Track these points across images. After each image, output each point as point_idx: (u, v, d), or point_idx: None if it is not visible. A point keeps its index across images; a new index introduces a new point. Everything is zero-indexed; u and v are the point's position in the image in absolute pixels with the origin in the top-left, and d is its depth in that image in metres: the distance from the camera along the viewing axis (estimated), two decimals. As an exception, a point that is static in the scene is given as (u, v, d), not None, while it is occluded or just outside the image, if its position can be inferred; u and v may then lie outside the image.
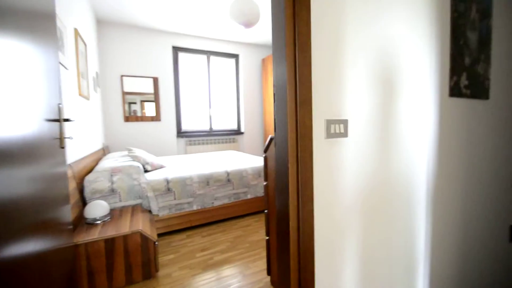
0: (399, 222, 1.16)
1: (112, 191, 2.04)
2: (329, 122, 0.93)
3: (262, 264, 1.84)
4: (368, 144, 1.03)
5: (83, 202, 1.96)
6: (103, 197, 2.00)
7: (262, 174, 2.81)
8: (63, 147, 1.31)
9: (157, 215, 2.23)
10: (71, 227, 1.44)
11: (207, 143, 4.42)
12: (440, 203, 1.29)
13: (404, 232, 1.18)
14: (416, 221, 1.21)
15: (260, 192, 2.79)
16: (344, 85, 0.96)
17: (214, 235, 2.30)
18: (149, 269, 1.65)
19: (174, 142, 4.18)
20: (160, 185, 2.26)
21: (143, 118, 3.91)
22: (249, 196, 2.73)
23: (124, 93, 3.75)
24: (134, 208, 2.06)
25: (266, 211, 1.56)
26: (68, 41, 2.01)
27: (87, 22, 2.88)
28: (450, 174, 1.31)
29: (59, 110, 1.26)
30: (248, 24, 2.47)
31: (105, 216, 1.77)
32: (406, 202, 1.17)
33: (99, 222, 1.72)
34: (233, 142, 4.68)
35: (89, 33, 2.93)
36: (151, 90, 3.95)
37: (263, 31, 4.12)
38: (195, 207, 2.41)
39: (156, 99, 3.98)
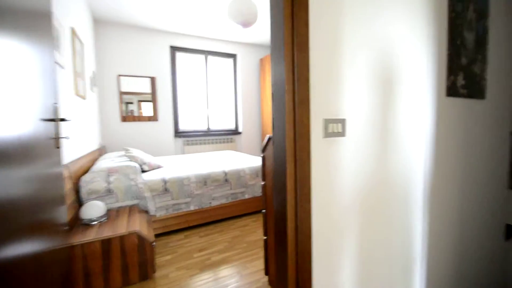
0: (397, 221, 1.16)
1: (109, 191, 2.03)
2: (327, 122, 0.93)
3: (260, 264, 1.84)
4: (366, 144, 1.03)
5: (80, 203, 1.94)
6: (100, 197, 1.99)
7: (260, 174, 2.81)
8: (59, 147, 1.30)
9: (155, 216, 2.22)
10: (67, 227, 1.43)
11: (204, 143, 4.41)
12: (437, 202, 1.29)
13: (401, 232, 1.18)
14: (413, 220, 1.22)
15: (258, 192, 2.79)
16: (342, 85, 0.96)
17: (212, 235, 2.29)
18: (146, 270, 1.64)
19: (172, 142, 4.17)
20: (157, 185, 2.25)
21: (140, 118, 3.89)
22: (246, 196, 2.72)
23: (121, 93, 3.73)
24: (131, 209, 2.05)
25: (264, 211, 1.55)
26: (65, 40, 1.99)
27: (84, 22, 2.86)
28: (447, 174, 1.32)
29: (55, 110, 1.25)
30: (246, 23, 2.46)
31: (102, 216, 1.76)
32: (403, 202, 1.17)
33: (95, 222, 1.71)
34: (231, 142, 4.68)
35: (86, 32, 2.91)
36: (149, 90, 3.93)
37: (261, 31, 4.12)
38: (192, 207, 2.41)
39: (153, 99, 3.96)
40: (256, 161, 2.98)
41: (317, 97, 0.91)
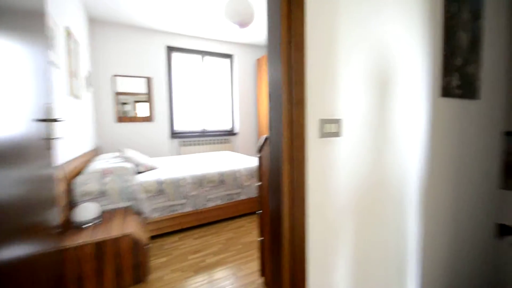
0: (392, 222, 1.16)
1: (103, 193, 2.00)
2: (323, 122, 0.93)
3: (255, 265, 1.83)
4: (362, 144, 1.03)
5: (73, 204, 1.91)
6: (94, 199, 1.96)
7: (256, 174, 2.80)
8: (52, 148, 1.28)
9: (149, 217, 2.20)
10: (59, 230, 1.41)
11: (200, 144, 4.39)
12: (432, 203, 1.30)
13: (396, 232, 1.18)
14: (408, 221, 1.22)
15: (254, 193, 2.78)
16: (338, 85, 0.96)
17: (207, 237, 2.28)
18: (140, 273, 1.62)
19: (168, 143, 4.14)
20: (152, 186, 2.23)
21: (136, 119, 3.86)
22: (242, 197, 2.72)
23: (117, 93, 3.69)
24: (125, 210, 2.02)
25: (259, 211, 1.55)
26: (60, 40, 1.97)
27: (80, 21, 2.83)
28: (442, 174, 1.33)
29: (49, 110, 1.23)
30: (243, 23, 2.46)
31: (95, 218, 1.73)
32: (398, 202, 1.18)
33: (89, 225, 1.69)
34: (227, 142, 4.67)
35: (81, 32, 2.88)
36: (145, 90, 3.90)
37: (258, 31, 4.12)
38: (187, 209, 2.39)
39: (149, 99, 3.94)
40: (252, 162, 2.98)
41: (313, 97, 0.91)
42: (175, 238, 2.27)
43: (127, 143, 3.83)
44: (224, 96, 4.74)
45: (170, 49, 4.12)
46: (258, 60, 4.75)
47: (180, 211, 2.34)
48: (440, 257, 1.37)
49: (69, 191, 1.90)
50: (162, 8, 3.21)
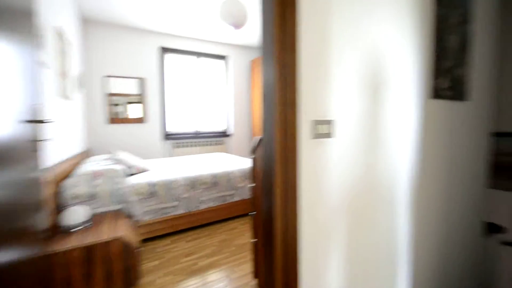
0: (384, 222, 1.17)
1: (93, 195, 1.96)
2: (315, 123, 0.93)
3: (249, 267, 1.82)
4: (354, 145, 1.04)
5: (62, 208, 1.87)
6: (84, 202, 1.92)
7: (249, 176, 2.80)
8: (39, 150, 1.24)
9: (141, 220, 2.16)
10: (47, 234, 1.37)
11: (194, 146, 4.36)
12: (422, 203, 1.32)
13: (388, 233, 1.19)
14: (400, 221, 1.23)
15: (247, 195, 2.78)
16: (331, 86, 0.96)
17: (200, 240, 2.26)
18: (131, 277, 1.59)
19: (160, 145, 4.09)
20: (144, 188, 2.20)
21: (128, 120, 3.80)
22: (235, 199, 2.70)
23: (109, 94, 3.64)
24: (116, 213, 1.99)
25: (253, 213, 1.54)
26: (50, 39, 1.93)
27: (72, 21, 2.78)
28: (432, 175, 1.35)
29: (36, 111, 1.20)
30: (238, 25, 2.46)
31: (85, 222, 1.70)
32: (390, 203, 1.19)
33: (78, 228, 1.65)
34: (221, 144, 4.65)
35: (73, 32, 2.83)
36: (137, 92, 3.85)
37: (252, 33, 4.13)
38: (180, 211, 2.36)
39: (142, 100, 3.89)
40: (246, 163, 2.97)
41: (306, 98, 0.91)
42: (167, 241, 2.24)
43: (119, 145, 3.77)
44: (218, 98, 4.73)
45: (164, 50, 4.09)
46: (253, 61, 4.75)
47: (172, 214, 2.32)
48: (431, 256, 1.38)
49: (58, 194, 1.85)
50: (156, 9, 3.18)
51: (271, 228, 0.95)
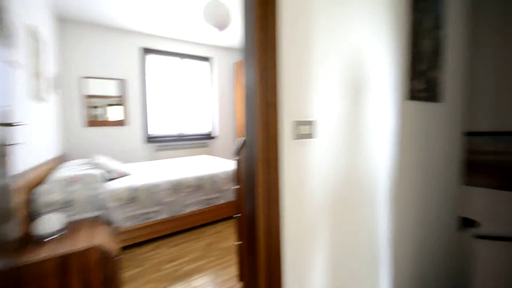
0: (365, 221, 1.19)
1: (69, 202, 1.86)
2: (297, 123, 0.93)
3: (234, 270, 1.80)
4: (335, 145, 1.05)
5: (35, 216, 1.76)
6: (58, 209, 1.82)
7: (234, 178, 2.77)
8: (9, 155, 1.17)
9: (121, 227, 2.08)
10: (17, 245, 1.29)
11: (178, 148, 4.27)
12: (401, 203, 1.35)
13: (370, 233, 1.21)
14: (380, 219, 1.26)
15: (232, 197, 2.75)
16: (312, 87, 0.97)
17: (184, 244, 2.21)
18: (111, 286, 1.52)
19: (142, 148, 3.98)
20: (124, 194, 2.12)
21: (107, 123, 3.67)
22: (221, 201, 2.67)
23: (88, 96, 3.50)
24: (94, 221, 1.89)
25: (237, 215, 1.53)
26: (22, 38, 1.82)
27: (47, 19, 2.65)
28: (409, 173, 1.38)
29: (5, 114, 1.13)
30: (221, 26, 2.45)
31: (59, 230, 1.60)
32: (371, 202, 1.21)
33: (52, 237, 1.56)
34: (206, 146, 4.59)
35: (48, 31, 2.70)
36: (118, 93, 3.73)
37: (237, 34, 4.12)
38: (163, 216, 2.30)
39: (122, 102, 3.77)
40: (230, 165, 2.95)
41: (287, 99, 0.91)
42: (149, 247, 2.17)
43: (98, 149, 3.62)
44: (202, 100, 4.67)
45: (146, 51, 3.99)
46: (237, 63, 4.75)
47: (154, 219, 2.25)
48: (410, 251, 1.43)
49: (30, 201, 1.75)
50: (137, 9, 3.10)
51: (254, 229, 0.94)
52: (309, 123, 0.96)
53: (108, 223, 1.96)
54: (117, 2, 2.91)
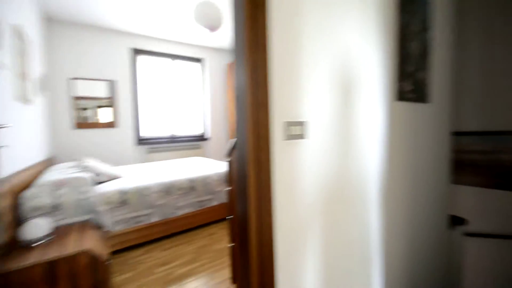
0: (356, 220, 1.20)
1: (57, 206, 1.82)
2: (288, 124, 0.94)
3: (227, 273, 1.79)
4: (326, 145, 1.06)
5: (21, 221, 1.71)
6: (46, 214, 1.77)
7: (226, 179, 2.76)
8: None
9: (111, 231, 2.04)
10: (3, 251, 1.24)
11: (170, 150, 4.22)
12: (391, 202, 1.37)
13: (361, 232, 1.22)
14: (371, 219, 1.27)
15: (225, 199, 2.74)
16: (303, 88, 0.97)
17: (177, 247, 2.18)
18: (101, 291, 1.49)
19: (133, 150, 3.92)
20: (114, 197, 2.08)
21: (97, 125, 3.60)
22: (214, 203, 2.65)
23: (76, 98, 3.42)
24: (83, 225, 1.85)
25: (230, 217, 1.52)
26: (7, 38, 1.77)
27: (34, 19, 2.59)
28: (399, 173, 1.41)
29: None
30: (213, 27, 2.44)
31: (46, 236, 1.56)
32: (362, 202, 1.22)
33: (39, 243, 1.51)
34: (198, 148, 4.55)
35: (35, 31, 2.63)
36: (108, 95, 3.66)
37: (229, 35, 4.11)
38: (154, 219, 2.27)
39: (113, 104, 3.71)
40: (223, 167, 2.93)
41: (278, 99, 0.91)
42: (141, 251, 2.13)
43: (87, 151, 3.55)
44: (194, 101, 4.64)
45: (136, 52, 3.94)
46: (229, 64, 4.74)
47: (145, 222, 2.22)
48: (401, 249, 1.44)
49: (17, 206, 1.70)
50: (126, 9, 3.06)
51: (246, 230, 0.93)
52: (300, 123, 0.97)
53: (98, 227, 1.92)
54: (107, 2, 2.87)
